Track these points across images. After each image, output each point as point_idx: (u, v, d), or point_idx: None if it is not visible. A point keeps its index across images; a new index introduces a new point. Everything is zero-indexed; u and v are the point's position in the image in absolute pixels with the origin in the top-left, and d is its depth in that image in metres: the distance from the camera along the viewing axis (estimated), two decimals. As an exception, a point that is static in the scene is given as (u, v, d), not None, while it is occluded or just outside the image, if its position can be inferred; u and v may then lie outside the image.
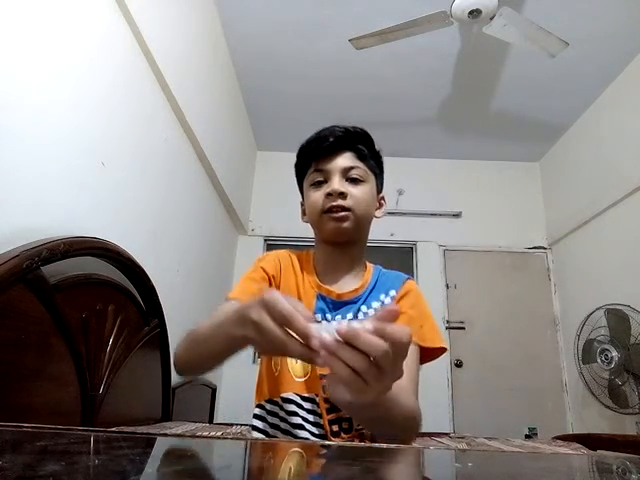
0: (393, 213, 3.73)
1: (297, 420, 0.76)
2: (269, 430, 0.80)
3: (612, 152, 2.86)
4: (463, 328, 3.44)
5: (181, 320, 2.03)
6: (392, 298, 0.84)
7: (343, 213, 0.78)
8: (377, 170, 0.87)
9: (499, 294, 3.53)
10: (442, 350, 0.80)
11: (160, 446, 0.29)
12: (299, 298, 0.83)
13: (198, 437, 0.40)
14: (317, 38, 2.63)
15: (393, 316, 0.42)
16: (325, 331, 0.41)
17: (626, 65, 2.73)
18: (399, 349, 0.41)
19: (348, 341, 0.40)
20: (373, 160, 0.86)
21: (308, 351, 0.41)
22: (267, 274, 0.83)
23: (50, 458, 0.27)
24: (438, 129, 3.51)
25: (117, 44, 1.50)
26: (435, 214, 3.74)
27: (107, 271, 1.34)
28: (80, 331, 1.16)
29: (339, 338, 0.40)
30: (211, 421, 2.72)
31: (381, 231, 3.67)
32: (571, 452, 1.33)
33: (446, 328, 3.41)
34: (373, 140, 0.86)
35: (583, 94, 3.02)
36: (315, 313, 0.82)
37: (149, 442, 0.30)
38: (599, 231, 2.98)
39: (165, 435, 0.34)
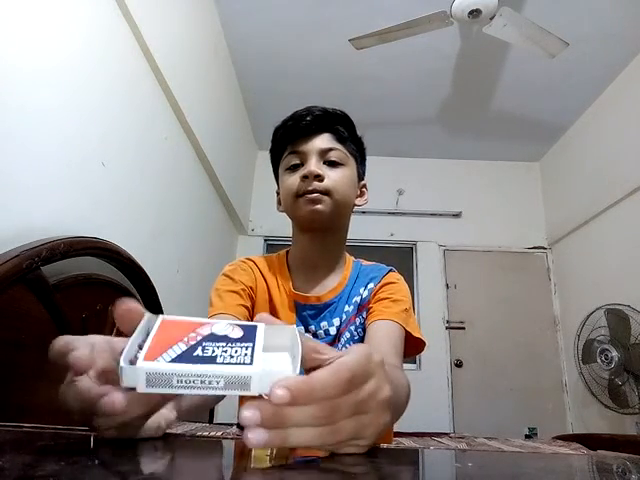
0: (393, 213, 3.74)
1: None
2: None
3: (612, 152, 2.86)
4: (463, 328, 3.44)
5: (181, 320, 2.02)
6: (370, 291, 0.78)
7: (319, 195, 0.71)
8: (358, 155, 0.81)
9: (499, 294, 3.53)
10: (422, 344, 0.76)
11: (160, 446, 0.29)
12: (274, 312, 0.76)
13: (198, 437, 0.40)
14: (317, 38, 2.63)
15: None
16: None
17: (626, 65, 2.73)
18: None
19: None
20: (354, 144, 0.80)
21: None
22: (245, 286, 0.76)
23: (50, 458, 0.27)
24: (438, 129, 3.51)
25: (117, 44, 1.50)
26: (435, 214, 3.74)
27: (107, 271, 1.34)
28: (80, 331, 1.15)
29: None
30: (211, 421, 2.72)
31: (381, 231, 3.68)
32: (571, 452, 1.33)
33: (446, 328, 3.41)
34: (354, 123, 0.80)
35: (583, 94, 3.03)
36: (296, 326, 0.76)
37: (149, 442, 0.30)
38: (599, 231, 2.98)
39: (165, 435, 0.34)
